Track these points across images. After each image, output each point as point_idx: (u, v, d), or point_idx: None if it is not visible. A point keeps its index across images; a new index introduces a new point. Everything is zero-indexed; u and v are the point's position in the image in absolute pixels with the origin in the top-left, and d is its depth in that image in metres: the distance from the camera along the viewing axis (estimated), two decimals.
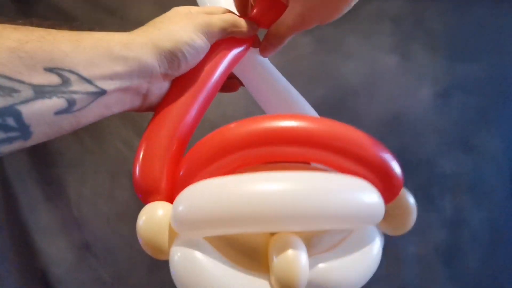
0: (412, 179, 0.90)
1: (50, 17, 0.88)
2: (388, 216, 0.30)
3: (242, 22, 0.34)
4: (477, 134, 0.92)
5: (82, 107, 0.25)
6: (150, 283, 0.87)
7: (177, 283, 0.26)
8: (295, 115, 0.29)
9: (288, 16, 0.33)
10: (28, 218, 0.88)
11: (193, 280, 0.25)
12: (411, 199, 0.31)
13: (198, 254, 0.25)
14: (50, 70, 0.23)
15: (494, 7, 0.93)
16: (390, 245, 0.34)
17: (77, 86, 0.24)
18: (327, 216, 0.25)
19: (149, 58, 0.27)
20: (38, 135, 0.23)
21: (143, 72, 0.27)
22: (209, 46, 0.31)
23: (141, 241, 0.26)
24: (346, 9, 0.31)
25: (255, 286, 0.26)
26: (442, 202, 0.90)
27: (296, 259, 0.24)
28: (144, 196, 0.29)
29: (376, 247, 0.30)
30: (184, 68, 0.30)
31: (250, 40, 0.35)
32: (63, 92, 0.23)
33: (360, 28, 0.92)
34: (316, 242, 0.29)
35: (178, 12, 0.31)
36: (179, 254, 0.25)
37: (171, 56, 0.28)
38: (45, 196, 0.89)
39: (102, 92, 0.25)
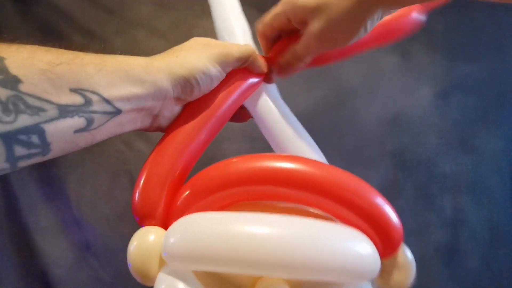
0: (412, 179, 0.90)
1: (50, 17, 0.88)
2: (384, 273, 0.28)
3: (258, 56, 0.35)
4: (477, 134, 0.92)
5: (98, 126, 0.26)
6: None
7: None
8: (295, 157, 0.29)
9: (297, 46, 0.34)
10: (28, 218, 0.88)
11: None
12: (409, 254, 0.29)
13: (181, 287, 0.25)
14: (74, 90, 0.24)
15: (494, 8, 0.93)
16: None
17: (97, 106, 0.25)
18: (315, 266, 0.24)
19: (164, 82, 0.29)
20: (56, 151, 0.24)
21: (158, 95, 0.29)
22: (224, 75, 0.32)
23: (130, 267, 0.26)
24: (358, 35, 0.31)
25: None
26: (442, 202, 0.90)
27: None
28: (140, 220, 0.29)
29: None
30: (196, 94, 0.31)
31: (263, 74, 0.36)
32: (84, 112, 0.25)
33: None
34: None
35: (197, 42, 0.32)
36: (163, 286, 0.25)
37: (185, 82, 0.29)
38: (45, 196, 0.89)
39: (118, 112, 0.27)
